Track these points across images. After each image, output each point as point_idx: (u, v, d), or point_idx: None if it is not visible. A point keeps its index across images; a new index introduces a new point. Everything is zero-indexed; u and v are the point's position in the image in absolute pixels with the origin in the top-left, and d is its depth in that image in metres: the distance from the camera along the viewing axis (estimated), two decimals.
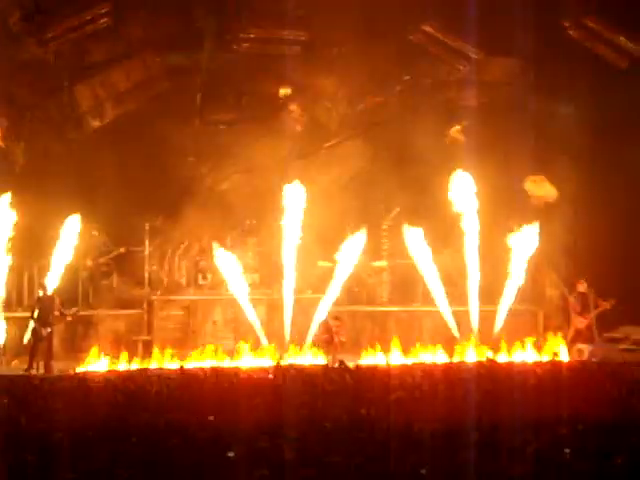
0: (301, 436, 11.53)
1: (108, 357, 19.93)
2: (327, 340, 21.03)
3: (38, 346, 19.45)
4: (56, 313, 19.59)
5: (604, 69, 24.09)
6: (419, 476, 9.87)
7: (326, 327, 21.09)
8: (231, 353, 20.66)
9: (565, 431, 12.14)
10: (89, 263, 22.01)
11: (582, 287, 21.70)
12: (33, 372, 18.89)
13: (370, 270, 23.85)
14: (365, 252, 23.66)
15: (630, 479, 10.00)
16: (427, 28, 23.92)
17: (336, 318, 21.29)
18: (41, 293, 19.79)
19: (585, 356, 21.15)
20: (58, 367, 19.22)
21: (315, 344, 20.95)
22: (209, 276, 22.25)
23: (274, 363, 18.59)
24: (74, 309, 20.11)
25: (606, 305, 21.45)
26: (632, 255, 23.86)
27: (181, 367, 17.96)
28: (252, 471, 9.81)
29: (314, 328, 21.05)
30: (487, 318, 22.68)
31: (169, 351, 20.33)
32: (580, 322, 21.60)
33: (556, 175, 23.74)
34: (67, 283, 21.99)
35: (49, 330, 19.41)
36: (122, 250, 22.19)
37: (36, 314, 19.49)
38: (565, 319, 22.09)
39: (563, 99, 23.96)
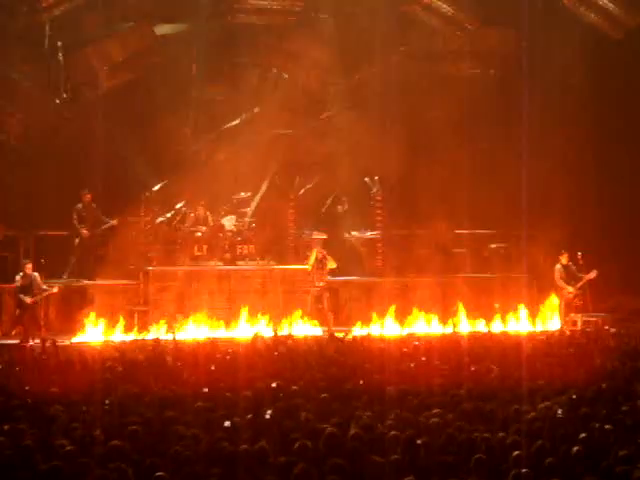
0: (298, 406, 11.64)
1: (103, 327, 20.03)
2: (320, 264, 21.21)
3: (23, 315, 19.89)
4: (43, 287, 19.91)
5: (600, 39, 24.09)
6: (415, 446, 9.96)
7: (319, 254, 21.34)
8: (226, 322, 20.78)
9: (558, 400, 12.26)
10: (84, 233, 22.01)
11: (564, 259, 21.81)
12: (29, 342, 19.00)
13: (364, 241, 23.95)
14: (360, 224, 23.88)
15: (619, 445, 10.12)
16: None
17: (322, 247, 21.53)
18: (25, 267, 20.05)
19: (578, 326, 21.27)
20: (53, 337, 19.27)
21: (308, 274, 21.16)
22: (204, 247, 22.28)
23: (272, 334, 18.68)
24: (55, 286, 20.33)
25: (589, 276, 21.57)
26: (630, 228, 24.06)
27: (173, 339, 18.06)
28: (252, 442, 9.91)
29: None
30: (481, 285, 22.87)
31: (165, 322, 20.42)
32: (568, 293, 21.72)
33: (552, 145, 23.79)
34: (62, 253, 22.14)
35: (32, 300, 19.63)
36: (115, 222, 22.19)
37: (19, 284, 19.88)
38: (557, 289, 22.18)
39: (557, 69, 23.94)
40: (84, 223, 22.03)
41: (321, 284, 21.43)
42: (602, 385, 13.09)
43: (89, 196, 22.05)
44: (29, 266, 20.09)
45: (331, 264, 21.54)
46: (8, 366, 15.11)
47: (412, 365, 14.68)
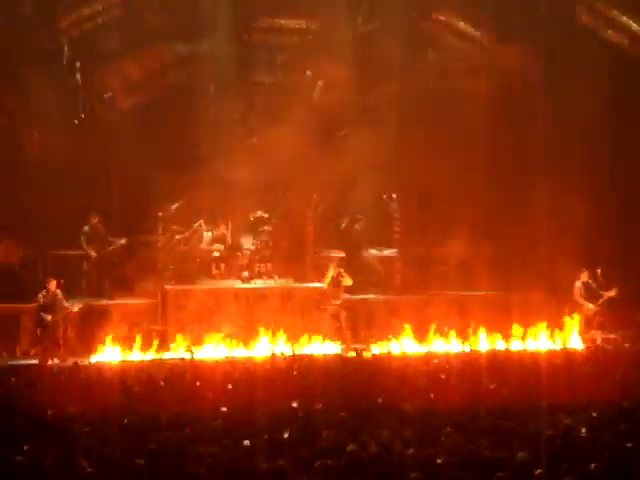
0: (317, 425, 11.60)
1: (122, 347, 20.02)
2: (335, 281, 21.18)
3: (43, 334, 19.79)
4: (64, 305, 19.84)
5: (619, 56, 24.04)
6: (434, 465, 9.91)
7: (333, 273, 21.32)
8: (245, 341, 20.76)
9: (579, 418, 12.19)
10: (93, 254, 22.06)
11: (584, 276, 21.73)
12: (48, 362, 19.01)
13: (382, 259, 23.92)
14: (378, 242, 23.87)
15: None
16: (438, 16, 23.92)
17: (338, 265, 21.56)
18: (48, 284, 20.00)
19: (598, 343, 21.16)
20: (72, 356, 19.30)
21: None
22: (222, 266, 22.32)
23: (290, 353, 18.65)
24: (75, 305, 20.27)
25: (609, 294, 21.50)
26: None
27: (191, 358, 18.04)
28: (269, 461, 9.87)
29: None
30: (500, 303, 22.79)
31: (183, 341, 20.41)
32: (587, 310, 21.62)
33: (571, 161, 23.74)
34: (80, 273, 22.17)
35: (53, 319, 19.60)
36: (123, 242, 22.24)
37: (41, 302, 19.80)
38: (576, 307, 22.08)
39: (575, 86, 23.89)
40: (91, 245, 22.08)
41: (337, 302, 21.41)
42: (623, 403, 13.02)
43: (96, 219, 22.11)
44: (53, 283, 19.96)
45: (347, 281, 21.54)
46: (28, 386, 15.12)
47: (431, 383, 14.61)
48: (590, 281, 21.72)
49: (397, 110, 24.01)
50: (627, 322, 22.57)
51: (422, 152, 23.49)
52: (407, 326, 21.21)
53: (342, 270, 21.58)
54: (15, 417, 12.42)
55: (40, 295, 19.86)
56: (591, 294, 21.70)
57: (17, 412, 12.70)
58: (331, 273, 21.51)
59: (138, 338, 20.19)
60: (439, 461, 10.00)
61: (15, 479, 9.55)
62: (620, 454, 10.51)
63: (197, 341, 20.54)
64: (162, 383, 14.97)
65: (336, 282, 21.49)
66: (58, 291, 19.94)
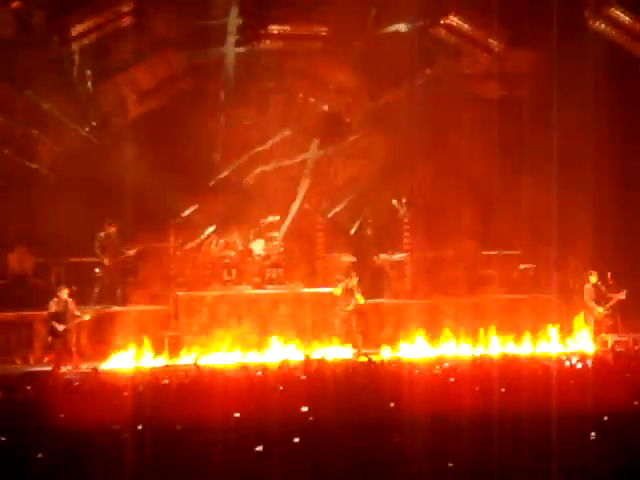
0: (331, 431, 11.65)
1: (134, 353, 20.13)
2: (349, 291, 21.20)
3: (55, 342, 19.86)
4: (76, 314, 19.95)
5: (627, 59, 24.06)
6: (446, 469, 9.96)
7: (347, 284, 21.32)
8: (256, 347, 20.84)
9: (590, 422, 12.21)
10: (106, 261, 22.17)
11: (594, 279, 21.72)
12: (61, 369, 19.11)
13: (392, 263, 23.98)
14: (388, 246, 23.92)
15: None
16: (448, 21, 23.96)
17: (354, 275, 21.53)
18: (60, 292, 20.09)
19: (609, 346, 21.17)
20: (84, 363, 19.41)
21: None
22: (234, 271, 22.42)
23: (303, 358, 18.70)
24: (87, 313, 20.34)
25: (619, 296, 21.50)
26: None
27: (199, 365, 18.10)
28: (283, 466, 9.94)
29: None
30: (510, 307, 22.83)
31: (195, 347, 20.51)
32: (598, 313, 21.63)
33: (580, 165, 23.77)
34: (93, 280, 22.27)
35: (64, 328, 19.70)
36: (132, 252, 22.35)
37: (53, 310, 19.88)
38: (587, 309, 22.10)
39: (585, 89, 23.91)
40: (105, 252, 22.19)
41: (349, 308, 21.39)
42: (635, 403, 13.03)
43: (114, 227, 22.20)
44: (65, 291, 20.06)
45: (360, 299, 21.40)
46: (41, 393, 15.20)
47: (442, 388, 14.65)
48: (600, 283, 21.73)
49: (407, 115, 24.06)
50: (639, 324, 22.61)
51: (431, 157, 23.56)
52: (418, 330, 21.27)
53: (355, 285, 21.43)
54: (29, 424, 12.50)
55: (52, 303, 19.98)
56: (601, 297, 21.71)
57: (31, 419, 12.78)
58: (345, 284, 21.42)
59: (150, 344, 20.30)
60: (450, 465, 10.05)
61: None
62: (631, 457, 10.56)
63: (209, 347, 20.64)
64: (175, 389, 15.04)
65: (349, 291, 21.43)
66: (70, 299, 20.04)
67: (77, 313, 20.02)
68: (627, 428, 11.79)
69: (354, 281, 21.36)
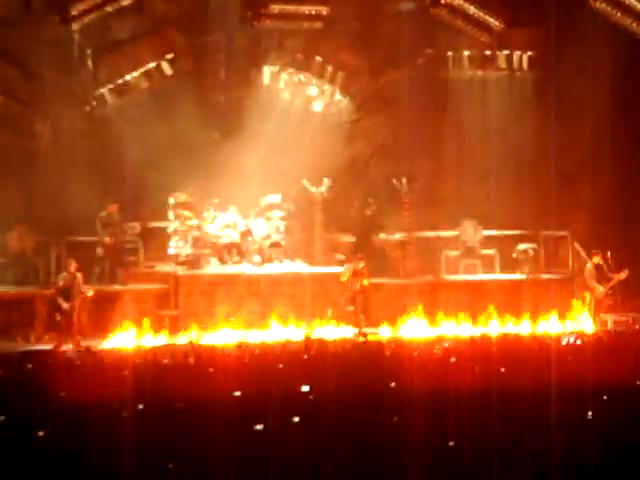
0: (328, 409, 11.68)
1: (134, 332, 20.15)
2: (353, 281, 21.18)
3: (60, 320, 19.82)
4: (82, 289, 19.93)
5: (630, 41, 24.00)
6: (447, 448, 9.98)
7: (354, 267, 21.28)
8: (257, 326, 20.87)
9: (589, 401, 12.24)
10: (107, 240, 22.17)
11: (596, 258, 21.69)
12: (62, 347, 19.14)
13: (393, 243, 24.00)
14: (388, 226, 23.94)
15: None
16: (449, 0, 23.93)
17: (361, 259, 21.44)
18: (70, 266, 20.06)
19: (609, 326, 21.21)
20: (85, 342, 19.43)
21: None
22: (234, 251, 22.43)
23: (303, 337, 18.73)
24: (90, 290, 20.32)
25: (620, 276, 21.48)
26: None
27: (200, 344, 18.14)
28: (283, 445, 9.96)
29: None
30: (510, 287, 22.86)
31: (194, 326, 20.53)
32: (599, 292, 21.63)
33: (582, 144, 23.76)
34: (93, 259, 22.29)
35: (70, 305, 19.68)
36: (137, 229, 22.34)
37: (61, 284, 19.87)
38: (587, 289, 22.13)
39: (586, 70, 23.89)
40: (106, 231, 22.18)
41: (356, 287, 21.27)
42: (636, 382, 13.05)
43: (115, 207, 22.19)
44: (73, 265, 19.98)
45: (365, 281, 21.36)
46: (42, 371, 15.23)
47: (442, 367, 14.68)
48: (601, 263, 21.72)
49: (407, 95, 24.05)
50: (639, 304, 22.63)
51: (431, 136, 23.55)
52: (418, 309, 21.28)
53: (363, 267, 21.37)
54: (30, 403, 12.53)
55: (59, 277, 19.95)
56: (602, 276, 21.72)
57: (32, 398, 12.81)
58: (353, 267, 21.36)
59: (149, 324, 20.33)
60: (451, 444, 10.06)
61: (30, 464, 9.66)
62: (630, 437, 10.58)
63: (209, 326, 20.66)
64: (174, 368, 15.07)
65: (357, 272, 21.36)
66: (78, 274, 20.02)
67: (82, 289, 19.99)
68: (627, 406, 11.81)
69: (360, 265, 21.32)
